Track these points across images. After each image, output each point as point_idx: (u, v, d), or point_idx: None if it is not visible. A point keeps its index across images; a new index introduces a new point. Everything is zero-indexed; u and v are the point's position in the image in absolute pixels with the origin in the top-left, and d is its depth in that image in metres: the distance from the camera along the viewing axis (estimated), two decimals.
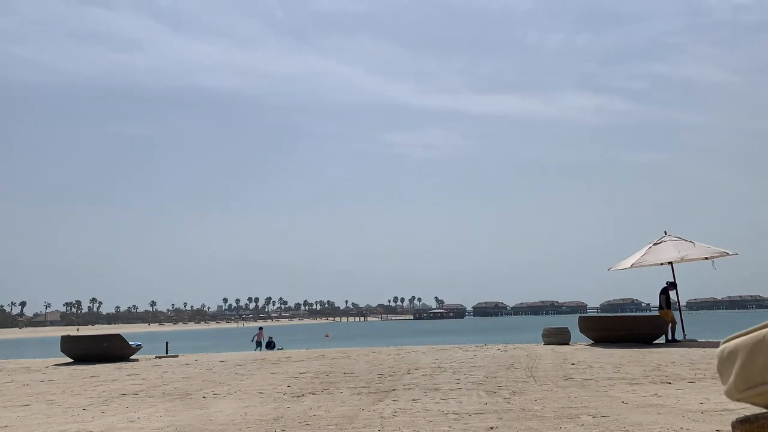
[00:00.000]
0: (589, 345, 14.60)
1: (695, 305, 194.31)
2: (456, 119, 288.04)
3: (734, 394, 1.40)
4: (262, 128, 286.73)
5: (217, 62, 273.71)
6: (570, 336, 15.53)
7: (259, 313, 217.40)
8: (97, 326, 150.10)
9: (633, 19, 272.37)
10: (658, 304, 15.66)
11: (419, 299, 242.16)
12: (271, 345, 25.45)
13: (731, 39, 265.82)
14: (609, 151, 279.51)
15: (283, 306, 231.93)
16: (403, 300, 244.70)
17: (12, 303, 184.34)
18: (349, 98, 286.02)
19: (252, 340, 27.54)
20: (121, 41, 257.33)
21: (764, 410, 1.41)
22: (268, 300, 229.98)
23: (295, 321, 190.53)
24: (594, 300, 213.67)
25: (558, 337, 15.42)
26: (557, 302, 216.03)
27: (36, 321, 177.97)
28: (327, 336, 47.20)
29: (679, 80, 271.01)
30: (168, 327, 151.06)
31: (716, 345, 1.56)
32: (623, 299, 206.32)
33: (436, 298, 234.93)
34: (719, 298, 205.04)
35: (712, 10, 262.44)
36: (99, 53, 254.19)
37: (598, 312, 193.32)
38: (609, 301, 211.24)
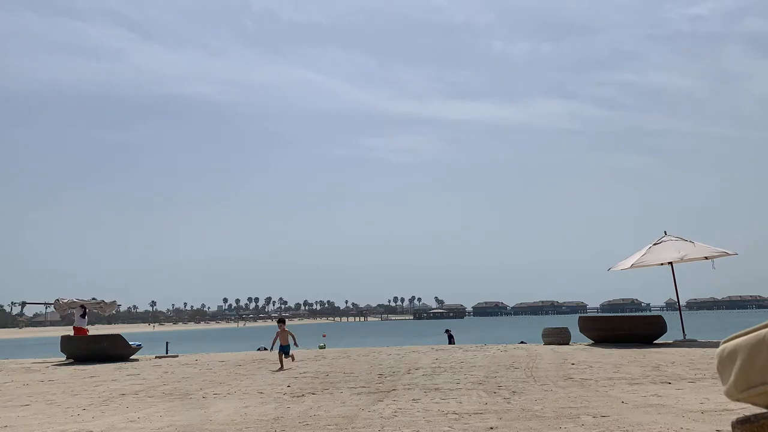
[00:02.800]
0: (589, 345, 14.60)
1: (695, 305, 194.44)
2: (431, 125, 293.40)
3: (734, 394, 1.40)
4: (246, 133, 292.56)
5: (192, 71, 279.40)
6: (570, 336, 15.53)
7: (259, 313, 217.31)
8: (97, 326, 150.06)
9: (592, 29, 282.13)
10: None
11: (419, 299, 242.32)
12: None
13: (691, 48, 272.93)
14: (594, 154, 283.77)
15: (283, 306, 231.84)
16: (403, 300, 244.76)
17: (12, 303, 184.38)
18: (324, 105, 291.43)
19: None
20: (97, 51, 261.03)
21: (764, 410, 1.41)
22: (268, 300, 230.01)
23: (295, 321, 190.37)
24: (594, 300, 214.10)
25: (558, 337, 15.42)
26: (557, 302, 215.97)
27: (36, 321, 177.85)
28: (324, 336, 47.25)
29: (645, 87, 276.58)
30: (168, 327, 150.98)
31: (716, 345, 1.56)
32: (623, 299, 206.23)
33: (436, 298, 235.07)
34: (719, 298, 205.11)
35: (669, 21, 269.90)
36: (76, 62, 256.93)
37: (598, 312, 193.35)
38: (609, 301, 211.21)
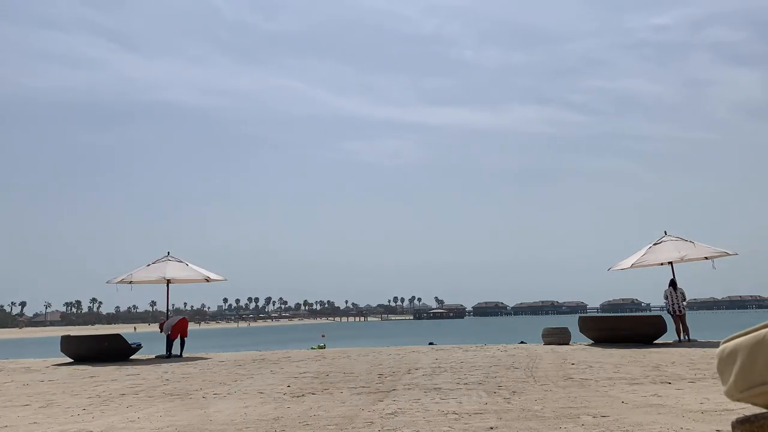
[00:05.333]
0: (588, 345, 14.60)
1: (695, 305, 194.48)
2: (411, 130, 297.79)
3: (734, 394, 1.40)
4: (230, 138, 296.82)
5: (172, 79, 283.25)
6: (570, 336, 15.53)
7: (259, 313, 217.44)
8: (97, 326, 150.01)
9: (559, 39, 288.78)
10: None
11: (419, 299, 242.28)
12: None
13: (658, 56, 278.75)
14: (579, 156, 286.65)
15: (283, 306, 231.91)
16: (402, 300, 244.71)
17: (12, 303, 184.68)
18: (303, 110, 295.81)
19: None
20: (79, 60, 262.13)
21: (764, 410, 1.41)
22: (268, 300, 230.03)
23: (295, 321, 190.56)
24: (594, 300, 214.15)
25: (558, 337, 15.42)
26: (557, 302, 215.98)
27: (36, 321, 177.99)
28: (324, 336, 47.33)
29: (617, 93, 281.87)
30: None
31: (716, 345, 1.55)
32: (623, 299, 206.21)
33: (436, 298, 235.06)
34: (719, 298, 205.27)
35: (634, 31, 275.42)
36: (57, 70, 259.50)
37: (598, 312, 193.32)
38: (609, 301, 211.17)
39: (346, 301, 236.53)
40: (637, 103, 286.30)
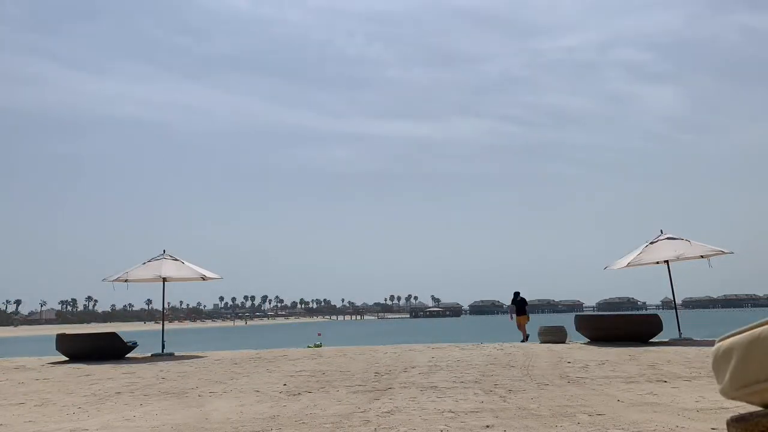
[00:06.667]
0: (585, 344, 14.63)
1: (691, 304, 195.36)
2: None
3: (730, 393, 1.40)
4: (202, 149, 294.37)
5: (119, 95, 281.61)
6: (567, 335, 15.56)
7: (255, 312, 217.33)
8: (92, 324, 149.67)
9: (477, 59, 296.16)
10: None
11: (415, 297, 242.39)
12: None
13: (575, 74, 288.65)
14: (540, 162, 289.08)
15: (279, 304, 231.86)
16: (399, 299, 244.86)
17: (7, 301, 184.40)
18: (254, 123, 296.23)
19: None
20: (23, 78, 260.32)
21: (759, 409, 1.41)
22: (264, 298, 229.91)
23: (292, 319, 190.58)
24: (590, 299, 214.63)
25: (554, 336, 15.45)
26: (554, 301, 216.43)
27: (31, 319, 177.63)
28: (319, 335, 47.33)
29: (546, 107, 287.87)
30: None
31: (712, 343, 1.55)
32: (620, 298, 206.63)
33: (432, 296, 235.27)
34: (715, 296, 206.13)
35: (546, 51, 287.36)
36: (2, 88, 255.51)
37: (594, 311, 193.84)
38: (605, 299, 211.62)
39: (343, 300, 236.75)
40: (568, 115, 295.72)
